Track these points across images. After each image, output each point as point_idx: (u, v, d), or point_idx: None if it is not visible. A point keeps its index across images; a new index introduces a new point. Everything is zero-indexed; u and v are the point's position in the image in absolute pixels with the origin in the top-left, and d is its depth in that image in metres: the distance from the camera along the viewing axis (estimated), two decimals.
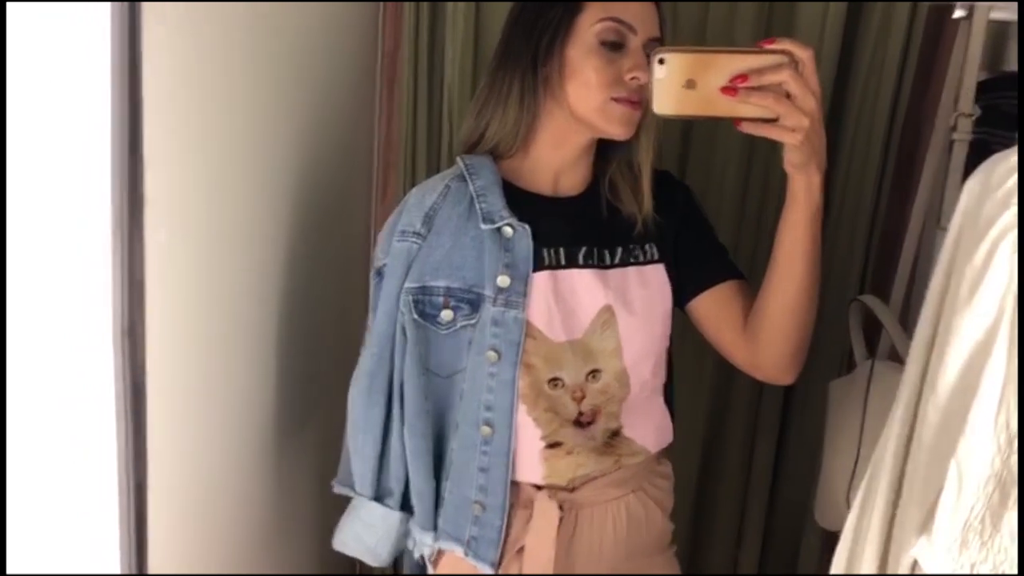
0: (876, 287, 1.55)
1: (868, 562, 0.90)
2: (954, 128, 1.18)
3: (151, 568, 0.90)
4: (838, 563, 0.95)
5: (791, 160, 0.92)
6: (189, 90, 0.89)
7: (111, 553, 0.86)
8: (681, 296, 1.13)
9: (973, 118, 1.17)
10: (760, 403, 1.58)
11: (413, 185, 1.57)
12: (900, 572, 0.86)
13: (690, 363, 1.54)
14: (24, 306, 0.65)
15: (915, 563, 0.86)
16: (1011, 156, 0.78)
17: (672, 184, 1.17)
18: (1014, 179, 0.76)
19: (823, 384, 1.48)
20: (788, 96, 0.87)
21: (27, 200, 0.62)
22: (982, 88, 1.30)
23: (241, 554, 1.26)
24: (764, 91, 0.86)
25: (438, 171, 1.57)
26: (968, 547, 0.74)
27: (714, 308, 1.11)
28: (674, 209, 1.14)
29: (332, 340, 1.53)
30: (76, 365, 0.67)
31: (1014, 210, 0.76)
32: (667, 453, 1.20)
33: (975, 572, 0.73)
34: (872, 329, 1.39)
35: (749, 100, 0.87)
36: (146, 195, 0.61)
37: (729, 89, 0.87)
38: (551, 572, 1.08)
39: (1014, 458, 0.71)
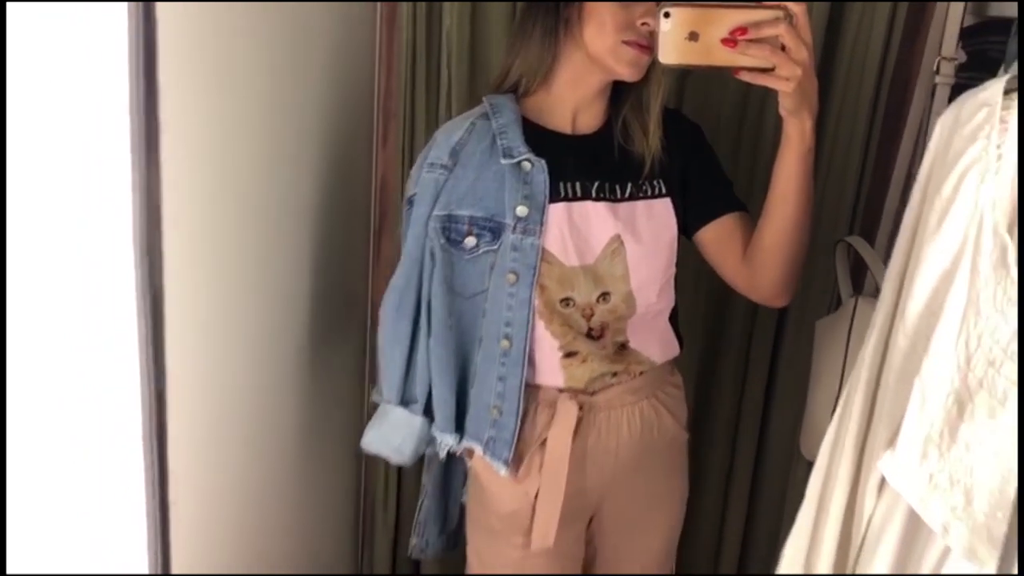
0: (865, 230, 1.59)
1: (842, 480, 0.96)
2: (937, 71, 1.21)
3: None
4: (815, 481, 1.01)
5: (785, 106, 1.01)
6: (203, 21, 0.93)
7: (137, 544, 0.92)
8: (688, 226, 1.23)
9: (956, 62, 1.20)
10: (751, 342, 1.64)
11: (412, 133, 1.63)
12: (869, 488, 0.92)
13: (685, 301, 1.59)
14: (45, 240, 0.69)
15: (883, 480, 0.92)
16: (980, 93, 0.82)
17: (681, 122, 1.26)
18: (983, 114, 0.81)
19: (812, 324, 1.54)
20: (783, 48, 0.94)
21: (51, 130, 0.66)
22: (968, 33, 1.33)
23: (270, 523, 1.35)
24: (761, 43, 0.94)
25: (437, 119, 1.62)
26: (927, 459, 0.79)
27: (718, 238, 1.22)
28: (682, 146, 1.23)
29: (333, 278, 1.58)
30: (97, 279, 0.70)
31: (981, 143, 0.80)
32: (677, 366, 1.33)
33: (932, 482, 0.79)
34: (861, 271, 1.44)
35: (747, 52, 0.94)
36: (162, 121, 0.65)
37: (729, 41, 0.94)
38: (567, 463, 1.20)
39: (972, 375, 0.76)
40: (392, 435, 1.28)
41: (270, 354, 1.34)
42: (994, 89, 0.78)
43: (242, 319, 1.19)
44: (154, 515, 0.94)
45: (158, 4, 0.66)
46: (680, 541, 1.43)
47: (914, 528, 0.88)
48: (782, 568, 1.07)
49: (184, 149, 0.83)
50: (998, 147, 0.78)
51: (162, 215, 0.68)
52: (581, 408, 1.22)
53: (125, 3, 0.62)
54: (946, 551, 0.81)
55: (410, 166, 1.63)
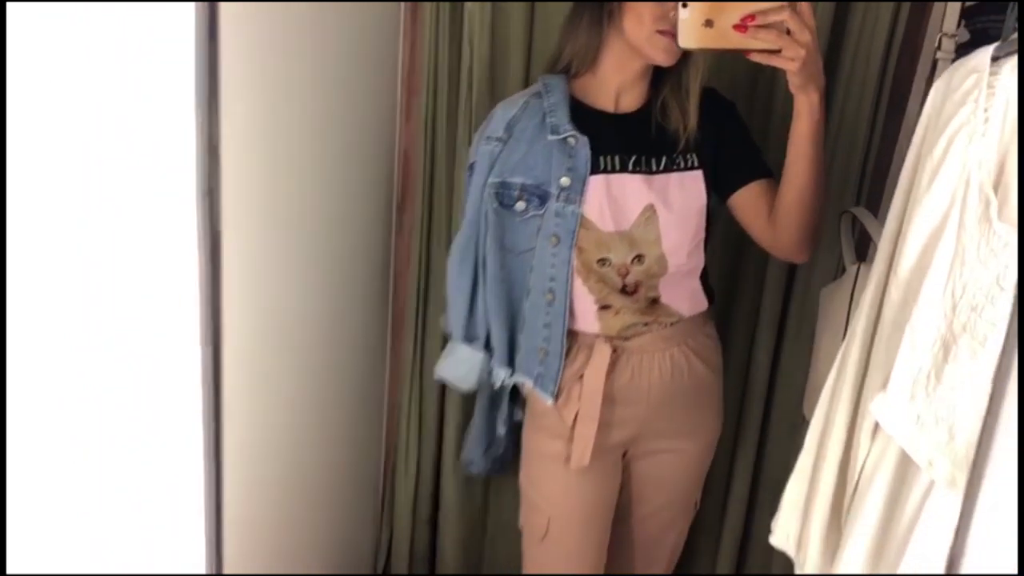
0: (871, 203, 1.64)
1: (839, 426, 1.03)
2: (938, 48, 1.26)
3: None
4: (814, 428, 1.08)
5: (793, 83, 1.14)
6: None
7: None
8: (721, 192, 1.37)
9: (957, 39, 1.25)
10: (759, 311, 1.70)
11: (435, 108, 1.69)
12: (864, 432, 0.99)
13: None
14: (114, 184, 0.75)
15: (877, 425, 0.99)
16: (970, 60, 0.88)
17: (717, 100, 1.38)
18: (972, 80, 0.87)
19: (817, 293, 1.60)
20: (788, 32, 1.08)
21: (121, 84, 0.73)
22: (970, 13, 1.38)
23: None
24: (768, 28, 1.07)
25: (459, 95, 1.68)
26: (915, 399, 0.86)
27: (748, 202, 1.35)
28: (717, 122, 1.36)
29: (357, 243, 1.66)
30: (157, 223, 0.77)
31: (970, 107, 0.86)
32: (712, 318, 1.49)
33: (919, 421, 0.85)
34: (866, 242, 1.49)
35: (757, 36, 1.08)
36: (222, 75, 0.71)
37: (740, 27, 1.08)
38: (601, 395, 1.38)
39: (956, 321, 0.83)
40: (458, 367, 1.50)
41: (311, 322, 1.43)
42: (982, 57, 0.84)
43: (290, 293, 1.30)
44: (211, 515, 1.01)
45: None
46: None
47: (903, 468, 0.94)
48: (783, 511, 1.14)
49: (241, 105, 0.91)
50: (985, 110, 0.84)
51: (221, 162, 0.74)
52: (615, 351, 1.39)
53: None
54: (930, 486, 0.87)
55: (433, 141, 1.71)
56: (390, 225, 1.82)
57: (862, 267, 1.37)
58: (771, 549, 1.22)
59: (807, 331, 1.66)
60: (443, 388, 1.85)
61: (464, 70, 1.65)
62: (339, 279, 1.59)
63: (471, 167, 1.39)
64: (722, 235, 1.65)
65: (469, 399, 1.83)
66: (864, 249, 1.52)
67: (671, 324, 1.41)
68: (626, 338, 1.40)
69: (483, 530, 1.96)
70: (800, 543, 1.11)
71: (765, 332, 1.68)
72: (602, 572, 1.54)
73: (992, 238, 0.80)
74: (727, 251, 1.72)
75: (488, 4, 1.60)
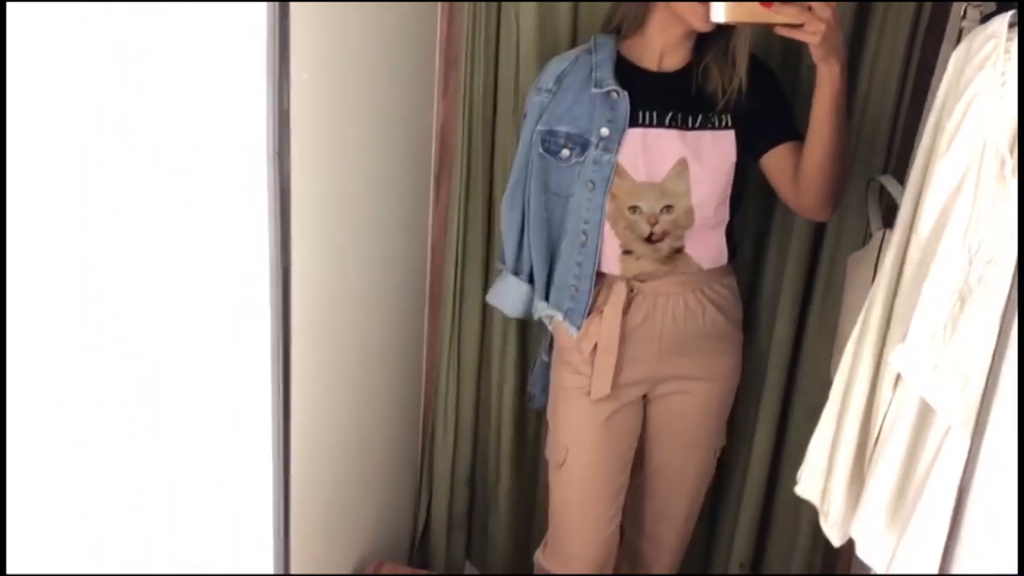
0: (898, 172, 1.67)
1: (862, 379, 1.08)
2: (964, 16, 1.29)
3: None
4: (838, 382, 1.13)
5: (815, 55, 1.25)
6: None
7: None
8: (755, 152, 1.47)
9: (981, 8, 1.28)
10: (783, 278, 1.74)
11: (471, 81, 1.75)
12: (886, 383, 1.04)
13: None
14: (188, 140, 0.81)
15: (898, 376, 1.04)
16: (989, 27, 0.92)
17: (758, 65, 1.47)
18: (990, 46, 0.91)
19: (845, 260, 1.64)
20: (809, 8, 1.20)
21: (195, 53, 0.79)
22: None
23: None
24: (792, 4, 1.19)
25: (497, 69, 1.74)
26: (933, 349, 0.91)
27: (778, 163, 1.45)
28: (755, 86, 1.45)
29: (397, 215, 1.73)
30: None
31: (988, 72, 0.90)
32: (733, 272, 1.60)
33: (937, 370, 0.90)
34: (893, 210, 1.53)
35: (781, 11, 1.20)
36: (292, 42, 0.77)
37: (767, 4, 1.20)
38: (618, 331, 1.51)
39: (972, 274, 0.88)
40: (506, 296, 1.65)
41: (362, 290, 1.51)
42: (1000, 23, 0.88)
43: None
44: (279, 515, 1.07)
45: None
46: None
47: (923, 417, 0.99)
48: (808, 463, 1.20)
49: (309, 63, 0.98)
50: (1003, 75, 0.88)
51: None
52: (631, 291, 1.52)
53: None
54: (947, 431, 0.92)
55: (470, 114, 1.77)
56: (428, 197, 1.88)
57: (887, 233, 1.41)
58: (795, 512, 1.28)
59: (832, 300, 1.69)
60: (480, 354, 1.92)
61: (503, 44, 1.70)
62: (382, 250, 1.66)
63: (524, 116, 1.53)
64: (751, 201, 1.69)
65: (505, 366, 1.90)
66: (891, 217, 1.55)
67: (687, 273, 1.52)
68: (643, 280, 1.52)
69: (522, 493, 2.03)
70: (824, 494, 1.16)
71: (788, 300, 1.72)
72: (619, 504, 1.66)
73: (1007, 195, 0.85)
74: (753, 218, 1.77)
75: None
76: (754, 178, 1.56)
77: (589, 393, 1.55)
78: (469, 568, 2.10)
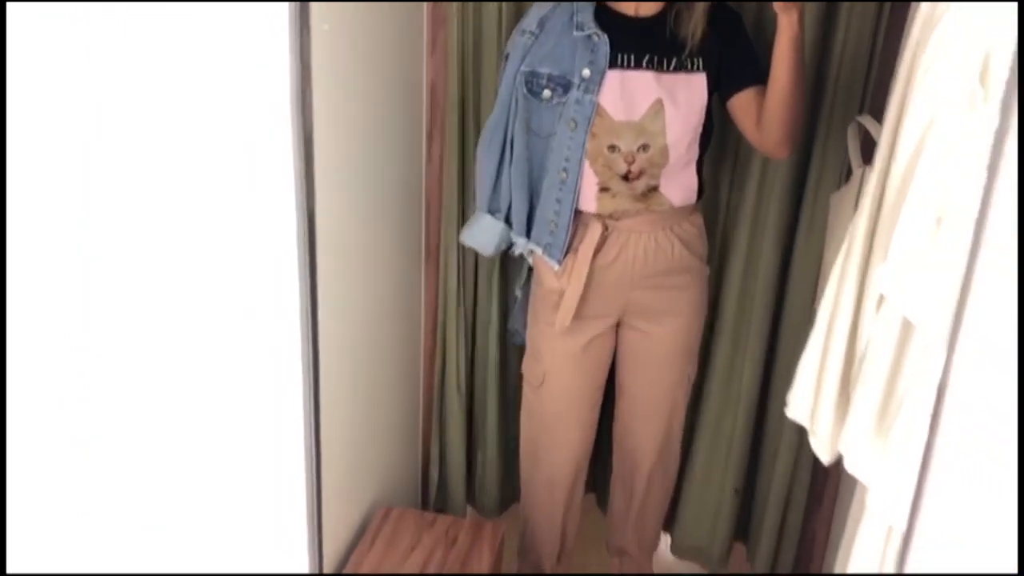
0: (875, 111, 1.73)
1: (846, 303, 1.15)
2: None
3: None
4: (824, 307, 1.20)
5: (776, 4, 1.37)
6: None
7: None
8: (724, 94, 1.58)
9: None
10: (764, 214, 1.80)
11: (463, 39, 1.79)
12: (869, 305, 1.11)
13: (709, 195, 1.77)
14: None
15: (880, 298, 1.11)
16: None
17: (726, 12, 1.58)
18: None
19: (827, 199, 1.71)
20: None
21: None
22: None
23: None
24: None
25: (482, 24, 1.78)
26: (912, 267, 0.97)
27: (743, 105, 1.57)
28: (723, 31, 1.56)
29: (391, 174, 1.77)
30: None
31: (959, 5, 0.95)
32: (699, 211, 1.71)
33: (916, 287, 0.97)
34: (872, 150, 1.59)
35: None
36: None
37: None
38: (588, 266, 1.63)
39: (949, 196, 0.94)
40: (481, 235, 1.71)
41: (360, 249, 1.56)
42: None
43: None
44: (312, 514, 1.10)
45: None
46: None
47: (904, 336, 1.06)
48: (797, 385, 1.27)
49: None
50: (970, 15, 0.93)
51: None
52: (605, 229, 1.63)
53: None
54: (925, 346, 0.99)
55: (461, 71, 1.81)
56: (420, 155, 1.92)
57: (867, 169, 1.47)
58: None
59: (816, 237, 1.76)
60: (473, 305, 1.99)
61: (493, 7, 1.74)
62: (384, 205, 1.70)
63: (505, 56, 1.61)
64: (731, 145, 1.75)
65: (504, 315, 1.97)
66: (870, 154, 1.62)
67: (659, 211, 1.63)
68: (617, 218, 1.63)
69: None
70: (813, 413, 1.24)
71: (770, 238, 1.79)
72: (592, 424, 1.84)
73: (977, 124, 0.91)
74: (736, 169, 1.83)
75: None
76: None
77: (579, 321, 1.67)
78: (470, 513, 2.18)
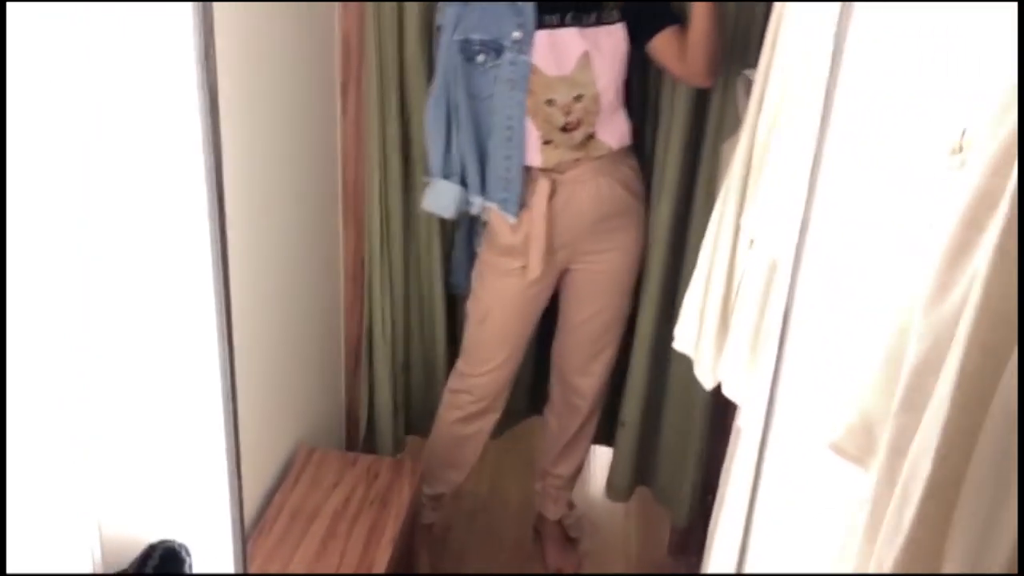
0: None
1: (725, 241, 1.26)
2: None
3: None
4: (706, 244, 1.31)
5: None
6: None
7: None
8: (641, 39, 1.70)
9: None
10: (665, 166, 1.90)
11: None
12: (743, 244, 1.22)
13: None
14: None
15: (751, 241, 1.22)
16: None
17: None
18: None
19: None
20: None
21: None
22: None
23: None
24: None
25: None
26: (781, 207, 1.08)
27: (663, 45, 1.69)
28: None
29: (307, 128, 1.81)
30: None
31: None
32: (634, 153, 1.85)
33: (776, 224, 1.08)
34: None
35: None
36: None
37: None
38: (545, 217, 1.76)
39: (805, 150, 1.04)
40: (439, 199, 1.82)
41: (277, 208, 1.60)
42: None
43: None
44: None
45: None
46: None
47: (771, 273, 1.18)
48: (682, 320, 1.38)
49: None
50: None
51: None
52: (554, 183, 1.76)
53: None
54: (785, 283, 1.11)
55: (380, 26, 1.85)
56: (334, 107, 1.96)
57: None
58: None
59: (714, 189, 1.87)
60: (406, 254, 2.06)
61: None
62: (292, 161, 1.74)
63: (439, 27, 1.71)
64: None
65: (433, 262, 2.05)
66: None
67: (598, 157, 1.75)
68: (562, 171, 1.75)
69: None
70: (697, 344, 1.36)
71: (670, 185, 1.89)
72: (520, 350, 1.96)
73: (817, 80, 1.01)
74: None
75: None
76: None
77: (523, 270, 1.81)
78: (412, 442, 2.27)
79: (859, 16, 0.87)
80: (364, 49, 1.88)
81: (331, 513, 1.76)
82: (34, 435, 0.85)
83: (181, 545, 0.93)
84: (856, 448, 0.70)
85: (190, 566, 0.93)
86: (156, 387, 1.04)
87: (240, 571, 1.16)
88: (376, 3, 1.82)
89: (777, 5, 1.14)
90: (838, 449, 0.71)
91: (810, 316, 0.98)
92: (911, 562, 0.55)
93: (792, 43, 1.06)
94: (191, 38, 0.87)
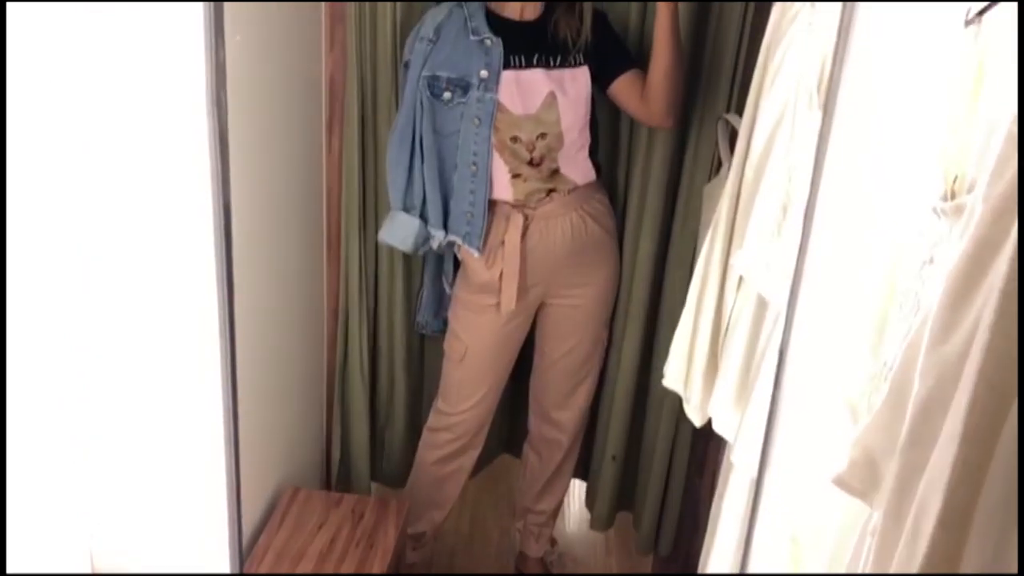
0: (740, 109, 1.90)
1: (712, 282, 1.29)
2: None
3: None
4: (694, 286, 1.34)
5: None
6: None
7: None
8: (603, 82, 1.76)
9: None
10: (644, 205, 1.95)
11: (359, 39, 1.86)
12: (731, 284, 1.25)
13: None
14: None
15: (740, 278, 1.25)
16: None
17: (593, 12, 1.76)
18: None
19: (700, 190, 1.86)
20: None
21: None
22: None
23: None
24: None
25: (376, 21, 1.85)
26: (764, 250, 1.12)
27: (623, 88, 1.75)
28: (594, 30, 1.75)
29: (291, 164, 1.83)
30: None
31: (801, 21, 1.10)
32: (604, 189, 1.90)
33: (768, 267, 1.12)
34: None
35: None
36: None
37: None
38: (519, 253, 1.79)
39: (791, 187, 1.08)
40: (398, 232, 1.82)
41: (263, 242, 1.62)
42: None
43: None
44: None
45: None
46: None
47: (760, 311, 1.22)
48: (672, 358, 1.41)
49: None
50: (810, 23, 1.08)
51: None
52: (526, 219, 1.79)
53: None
54: (776, 320, 1.15)
55: (360, 66, 1.88)
56: (320, 146, 1.98)
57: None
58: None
59: (691, 224, 1.92)
60: (375, 292, 2.07)
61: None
62: (283, 202, 1.76)
63: (406, 64, 1.75)
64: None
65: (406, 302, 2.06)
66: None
67: (568, 192, 1.80)
68: (533, 207, 1.79)
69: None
70: (687, 382, 1.39)
71: (648, 225, 1.93)
72: (499, 387, 1.98)
73: (813, 120, 1.06)
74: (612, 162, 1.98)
75: None
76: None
77: (497, 306, 1.83)
78: (377, 491, 2.26)
79: (854, 55, 0.92)
80: (347, 88, 1.91)
81: (317, 554, 1.75)
82: (32, 469, 0.85)
83: None
84: (860, 483, 0.72)
85: None
86: (162, 433, 1.04)
87: None
88: (356, 41, 1.86)
89: (763, 52, 1.18)
90: (842, 484, 0.74)
91: (805, 352, 1.01)
92: None
93: (782, 87, 1.10)
94: (202, 80, 0.89)
